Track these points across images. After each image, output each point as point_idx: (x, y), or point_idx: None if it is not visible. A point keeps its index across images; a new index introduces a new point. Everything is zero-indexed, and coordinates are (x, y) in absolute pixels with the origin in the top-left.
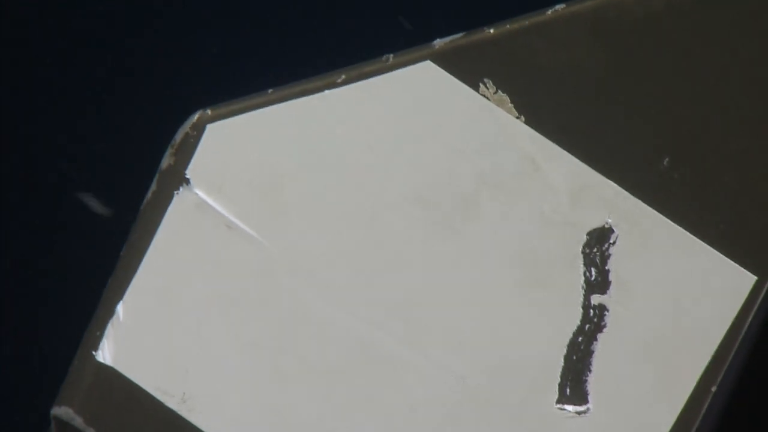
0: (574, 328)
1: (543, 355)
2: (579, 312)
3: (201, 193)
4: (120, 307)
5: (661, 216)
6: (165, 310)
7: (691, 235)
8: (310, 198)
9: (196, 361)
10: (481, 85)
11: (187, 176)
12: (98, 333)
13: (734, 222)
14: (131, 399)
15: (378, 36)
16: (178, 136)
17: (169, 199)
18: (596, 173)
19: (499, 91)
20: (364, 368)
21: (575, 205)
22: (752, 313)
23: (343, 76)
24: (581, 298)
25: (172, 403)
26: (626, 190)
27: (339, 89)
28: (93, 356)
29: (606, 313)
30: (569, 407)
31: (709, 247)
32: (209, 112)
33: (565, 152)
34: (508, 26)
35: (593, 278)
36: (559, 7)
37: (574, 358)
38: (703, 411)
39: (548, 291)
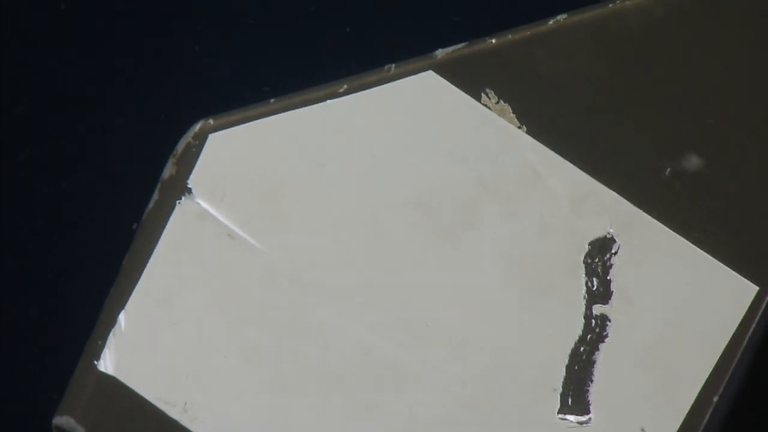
0: (576, 337)
1: (544, 364)
2: (581, 321)
3: (203, 203)
4: (122, 317)
5: (662, 226)
6: (167, 320)
7: (693, 245)
8: (311, 207)
9: (197, 370)
10: (482, 94)
11: (189, 186)
12: (100, 342)
13: (736, 232)
14: (133, 408)
15: (380, 45)
16: (180, 146)
17: (171, 208)
18: (597, 182)
19: (501, 100)
20: (366, 375)
21: (576, 214)
22: (754, 323)
23: (345, 86)
24: (583, 308)
25: (173, 413)
26: (627, 199)
27: (341, 99)
28: (95, 365)
29: (608, 322)
30: (571, 417)
31: (710, 257)
32: (211, 121)
33: (566, 162)
34: (509, 36)
35: (595, 288)
36: (561, 17)
37: (576, 367)
38: (705, 421)
39: (549, 300)
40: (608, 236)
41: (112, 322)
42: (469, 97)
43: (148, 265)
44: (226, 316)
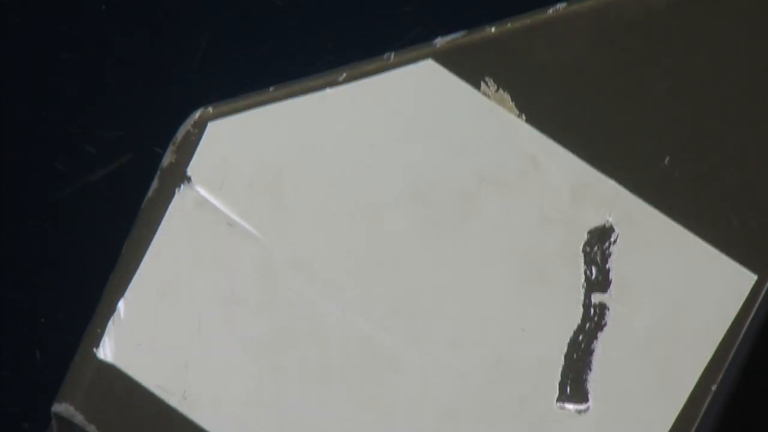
0: (575, 326)
1: (543, 354)
2: (579, 310)
3: (202, 191)
4: (121, 305)
5: (661, 214)
6: (166, 308)
7: (692, 234)
8: (310, 196)
9: (196, 358)
10: (482, 83)
11: (188, 174)
12: (99, 330)
13: (734, 221)
14: (132, 396)
15: (379, 34)
16: (180, 134)
17: (170, 196)
18: (597, 171)
19: (500, 89)
20: (364, 365)
21: (576, 203)
22: (753, 312)
23: (345, 75)
24: (582, 297)
25: (172, 401)
26: (627, 188)
27: (340, 87)
28: (94, 353)
29: (606, 311)
30: (569, 406)
31: (709, 245)
32: (210, 109)
33: (565, 150)
34: (509, 25)
35: (594, 277)
36: (560, 5)
37: (575, 356)
38: (704, 410)
39: (548, 289)
40: (607, 225)
41: (112, 309)
42: (468, 85)
43: (148, 252)
44: (225, 304)
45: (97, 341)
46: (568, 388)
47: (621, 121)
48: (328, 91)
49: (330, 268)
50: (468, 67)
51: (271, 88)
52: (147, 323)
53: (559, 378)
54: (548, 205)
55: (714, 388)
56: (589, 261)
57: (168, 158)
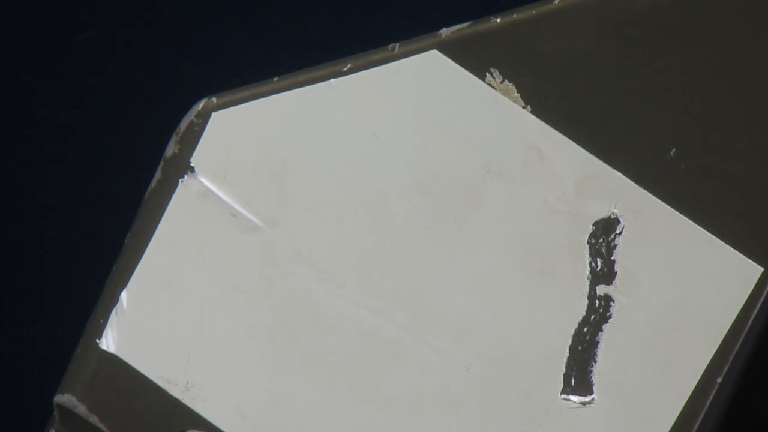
0: (580, 318)
1: (548, 346)
2: (584, 302)
3: (205, 182)
4: (124, 295)
5: (667, 206)
6: (169, 299)
7: (698, 226)
8: (314, 187)
9: (199, 349)
10: (487, 74)
11: (192, 164)
12: (102, 321)
13: (741, 213)
14: (134, 387)
15: (384, 24)
16: (183, 124)
17: (173, 187)
18: (602, 163)
19: (506, 80)
20: (368, 357)
21: (581, 194)
22: (758, 305)
23: (349, 65)
24: (587, 289)
25: (175, 391)
26: (632, 180)
27: (345, 78)
28: (96, 344)
29: (611, 303)
30: (574, 398)
31: (715, 237)
32: (214, 100)
33: (571, 142)
34: (514, 16)
35: (599, 268)
36: None
37: (579, 348)
38: (708, 402)
39: (553, 281)
40: (613, 217)
41: (114, 300)
42: (473, 76)
43: (151, 243)
44: (228, 295)
45: (99, 332)
46: (573, 380)
47: (626, 112)
48: (333, 81)
49: (333, 260)
50: (473, 57)
51: (275, 79)
52: (150, 314)
53: (563, 370)
54: (553, 196)
55: (719, 380)
56: (594, 252)
57: (171, 149)
